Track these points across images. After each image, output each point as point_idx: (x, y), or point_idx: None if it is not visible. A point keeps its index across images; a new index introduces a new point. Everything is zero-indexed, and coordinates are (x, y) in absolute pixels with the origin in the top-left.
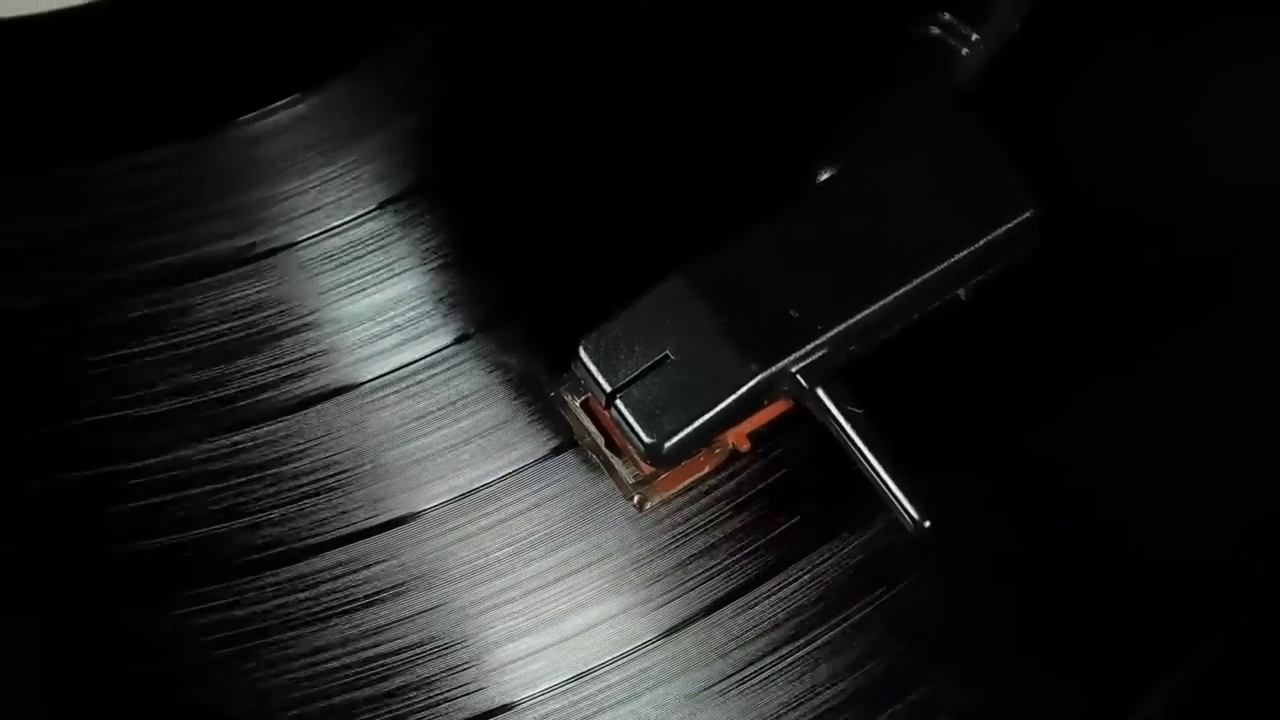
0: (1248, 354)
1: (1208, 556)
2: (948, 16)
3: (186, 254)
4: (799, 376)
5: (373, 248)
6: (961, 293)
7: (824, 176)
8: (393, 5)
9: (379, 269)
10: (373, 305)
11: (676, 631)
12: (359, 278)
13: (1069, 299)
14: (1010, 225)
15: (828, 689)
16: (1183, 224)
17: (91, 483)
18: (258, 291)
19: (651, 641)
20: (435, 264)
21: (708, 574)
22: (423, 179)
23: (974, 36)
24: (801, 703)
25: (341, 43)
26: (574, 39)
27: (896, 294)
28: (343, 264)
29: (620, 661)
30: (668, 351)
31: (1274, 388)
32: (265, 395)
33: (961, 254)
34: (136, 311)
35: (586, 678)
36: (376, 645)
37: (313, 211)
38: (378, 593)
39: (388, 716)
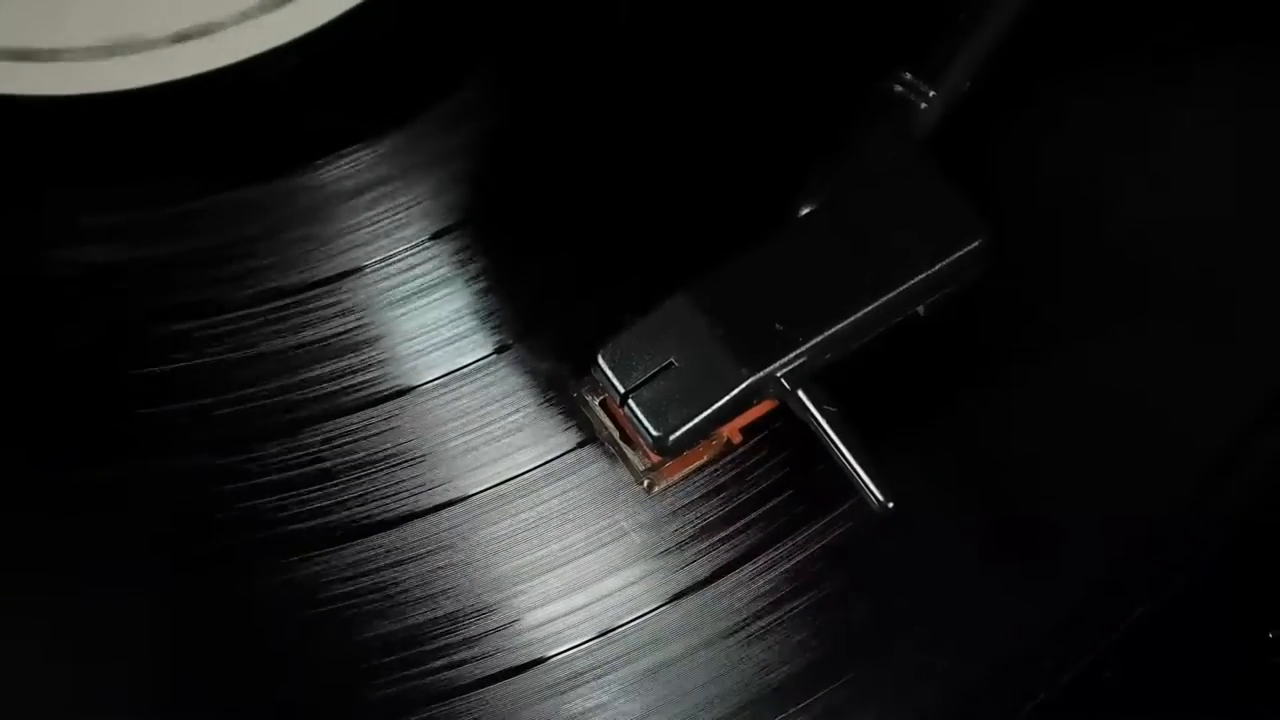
0: (1160, 357)
1: (1128, 527)
2: (909, 76)
3: (273, 276)
4: (783, 380)
5: (426, 272)
6: (921, 309)
7: (804, 211)
8: (442, 74)
9: (431, 290)
10: (426, 320)
11: (682, 597)
12: (414, 297)
13: (1011, 313)
14: (961, 253)
15: (810, 644)
16: (1106, 248)
17: (205, 466)
18: (331, 308)
19: (661, 605)
20: (478, 286)
21: (708, 548)
22: (467, 216)
23: (931, 93)
24: (788, 656)
25: (400, 103)
26: (590, 105)
27: (865, 311)
28: (401, 285)
29: (635, 622)
30: (672, 358)
31: (1181, 384)
32: (338, 396)
33: (920, 277)
34: (230, 325)
35: (606, 636)
36: (431, 608)
37: (376, 242)
38: (432, 564)
39: (439, 668)
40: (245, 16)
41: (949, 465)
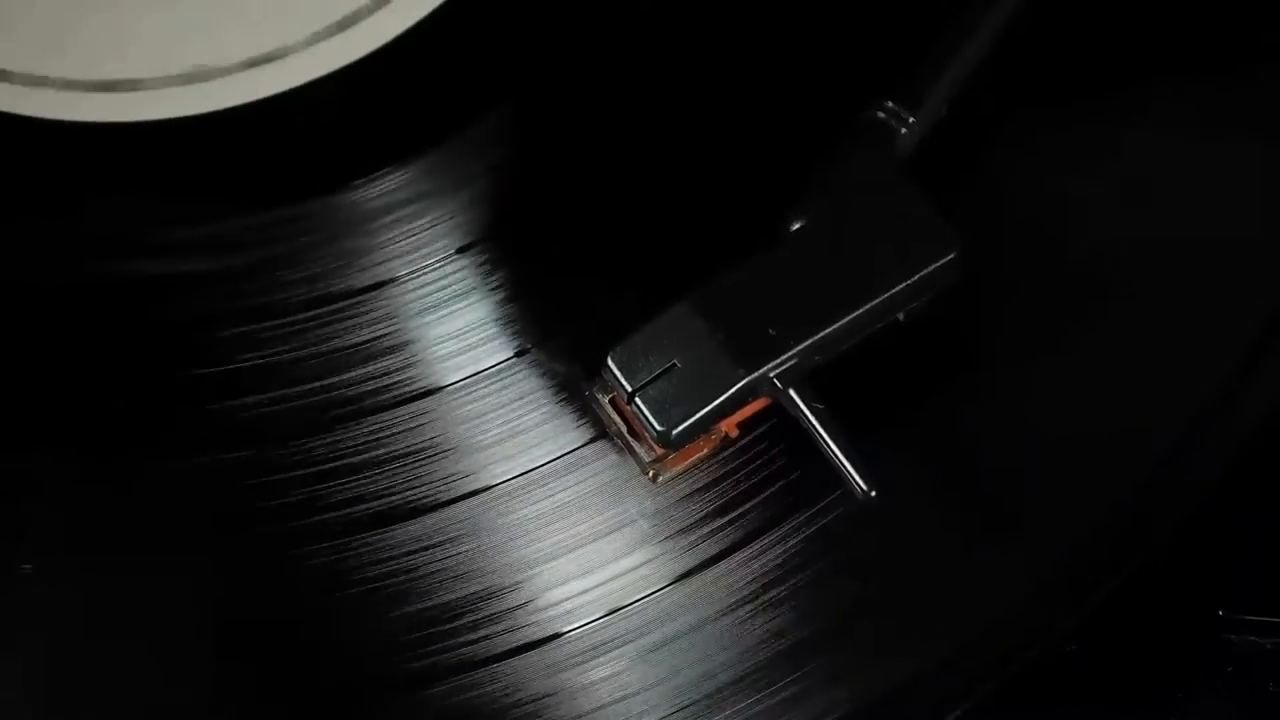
0: (1116, 359)
1: (1089, 513)
2: (890, 104)
3: (316, 286)
4: (776, 380)
5: (452, 283)
6: (901, 315)
7: (795, 227)
8: (466, 105)
9: (457, 298)
10: (453, 326)
11: (685, 578)
12: (442, 305)
13: (983, 320)
14: (937, 265)
15: (800, 620)
16: (1070, 260)
17: (255, 456)
18: (367, 316)
19: (667, 585)
20: (500, 295)
21: (708, 533)
22: (489, 231)
23: (910, 119)
24: (781, 631)
25: (429, 130)
26: (601, 134)
27: (850, 317)
28: (430, 295)
29: (643, 600)
30: (675, 360)
31: (1136, 384)
32: (373, 395)
33: (900, 286)
34: (277, 331)
35: (617, 613)
36: (457, 588)
37: (407, 255)
38: (459, 547)
39: (464, 643)
40: (310, 42)
41: (926, 458)
